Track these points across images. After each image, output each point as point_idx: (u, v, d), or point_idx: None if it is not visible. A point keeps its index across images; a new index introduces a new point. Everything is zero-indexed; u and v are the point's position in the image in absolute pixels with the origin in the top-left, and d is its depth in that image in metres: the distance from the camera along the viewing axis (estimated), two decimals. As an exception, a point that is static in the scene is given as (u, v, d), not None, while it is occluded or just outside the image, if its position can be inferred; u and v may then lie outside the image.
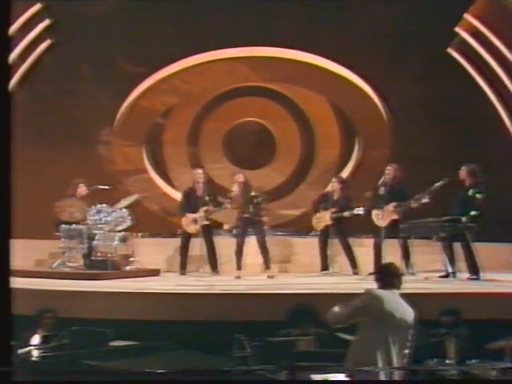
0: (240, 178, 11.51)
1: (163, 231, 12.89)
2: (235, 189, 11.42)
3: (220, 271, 11.47)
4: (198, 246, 11.53)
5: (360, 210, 11.09)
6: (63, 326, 8.09)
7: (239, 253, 11.29)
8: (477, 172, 10.62)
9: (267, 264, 11.32)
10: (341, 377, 5.66)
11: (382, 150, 12.77)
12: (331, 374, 5.87)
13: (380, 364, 5.60)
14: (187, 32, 12.56)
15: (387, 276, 5.86)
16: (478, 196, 10.45)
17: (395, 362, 5.67)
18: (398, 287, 5.84)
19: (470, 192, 10.51)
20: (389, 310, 5.69)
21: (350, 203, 11.36)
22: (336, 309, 5.89)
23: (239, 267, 11.27)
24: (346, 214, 11.23)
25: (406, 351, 5.76)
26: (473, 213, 10.40)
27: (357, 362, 5.66)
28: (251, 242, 11.41)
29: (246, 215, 11.33)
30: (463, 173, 10.66)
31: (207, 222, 11.54)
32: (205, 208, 11.44)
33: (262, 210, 11.38)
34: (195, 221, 11.47)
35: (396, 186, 11.10)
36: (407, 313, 5.76)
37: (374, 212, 11.09)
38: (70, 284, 10.07)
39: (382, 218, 11.04)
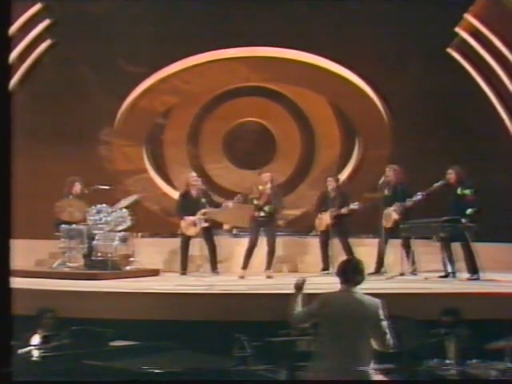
0: (267, 176, 11.44)
1: (163, 231, 12.89)
2: (267, 187, 11.34)
3: (220, 271, 11.48)
4: (198, 246, 11.53)
5: (355, 205, 11.18)
6: (63, 326, 8.08)
7: (249, 253, 11.28)
8: (460, 172, 10.67)
9: (269, 265, 11.31)
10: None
11: (382, 149, 12.78)
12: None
13: (338, 363, 5.57)
14: (187, 32, 12.56)
15: (345, 273, 5.85)
16: (466, 192, 10.49)
17: (364, 357, 5.64)
18: (357, 283, 5.81)
19: (459, 191, 10.56)
20: (341, 310, 5.69)
21: (348, 200, 11.39)
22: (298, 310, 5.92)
23: (245, 266, 11.26)
24: (344, 210, 11.30)
25: (382, 342, 5.71)
26: (469, 211, 10.41)
27: (318, 365, 5.68)
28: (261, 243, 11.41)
29: (261, 215, 11.32)
30: (451, 176, 10.70)
31: (207, 224, 11.53)
32: (203, 211, 11.42)
33: (277, 213, 11.38)
34: (194, 224, 11.45)
35: (399, 187, 11.12)
36: (367, 307, 5.70)
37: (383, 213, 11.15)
38: (69, 284, 10.06)
39: (387, 218, 11.09)
